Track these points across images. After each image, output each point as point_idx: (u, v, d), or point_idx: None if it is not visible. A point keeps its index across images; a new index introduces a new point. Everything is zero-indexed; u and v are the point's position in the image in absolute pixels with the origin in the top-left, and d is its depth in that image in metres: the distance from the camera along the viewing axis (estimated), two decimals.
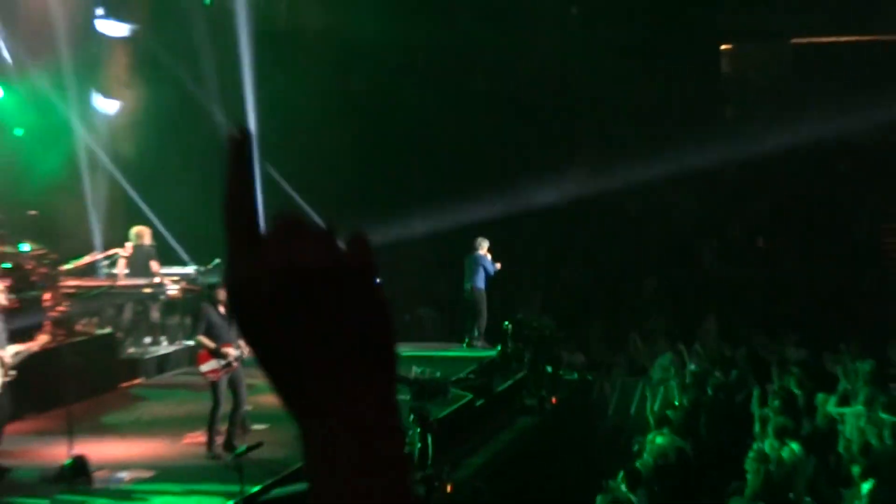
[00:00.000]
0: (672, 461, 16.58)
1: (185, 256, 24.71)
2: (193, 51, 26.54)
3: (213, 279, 17.27)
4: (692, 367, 21.84)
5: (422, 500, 14.51)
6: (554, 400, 22.09)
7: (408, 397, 16.80)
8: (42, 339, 15.89)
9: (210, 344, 16.15)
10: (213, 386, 16.27)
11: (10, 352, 15.36)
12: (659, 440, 17.26)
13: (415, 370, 18.73)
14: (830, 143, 31.07)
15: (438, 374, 18.71)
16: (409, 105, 30.07)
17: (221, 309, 16.30)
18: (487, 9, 31.47)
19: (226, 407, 16.36)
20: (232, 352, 16.14)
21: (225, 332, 16.13)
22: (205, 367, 16.24)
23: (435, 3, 31.02)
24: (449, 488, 15.00)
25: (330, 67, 30.34)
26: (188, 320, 23.10)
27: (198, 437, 16.74)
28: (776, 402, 19.12)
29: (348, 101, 29.87)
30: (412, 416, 16.26)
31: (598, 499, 14.08)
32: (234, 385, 16.33)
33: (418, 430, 16.04)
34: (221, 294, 16.32)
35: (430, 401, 17.13)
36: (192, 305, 22.94)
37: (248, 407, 16.57)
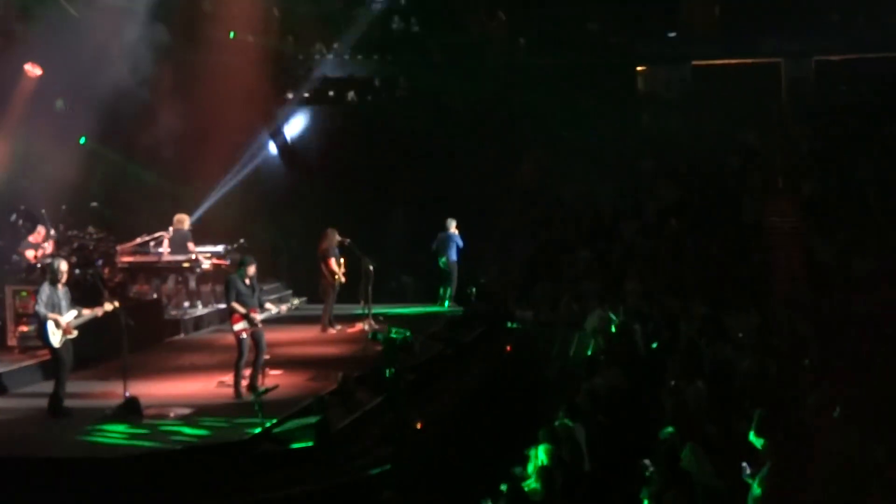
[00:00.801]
0: (606, 397, 16.43)
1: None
2: None
3: (245, 256, 17.04)
4: (617, 320, 21.70)
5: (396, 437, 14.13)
6: (508, 348, 21.95)
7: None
8: (106, 306, 15.69)
9: (241, 309, 16.10)
10: (240, 340, 16.12)
11: (71, 315, 15.23)
12: (597, 381, 17.11)
13: (393, 331, 18.41)
14: (724, 143, 31.09)
15: (408, 333, 18.41)
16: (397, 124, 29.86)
17: (248, 281, 16.24)
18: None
19: (249, 357, 16.18)
20: (257, 315, 16.08)
21: (250, 299, 16.19)
22: (237, 327, 16.14)
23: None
24: (419, 425, 14.60)
25: None
26: (218, 288, 23.00)
27: (227, 381, 16.57)
28: (683, 348, 19.05)
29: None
30: (388, 369, 16.11)
31: (541, 432, 13.84)
32: (256, 340, 16.23)
33: (392, 377, 15.65)
34: (250, 269, 16.25)
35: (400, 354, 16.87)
36: (221, 276, 22.84)
37: (266, 356, 16.42)
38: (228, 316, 16.44)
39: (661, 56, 33.53)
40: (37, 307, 15.13)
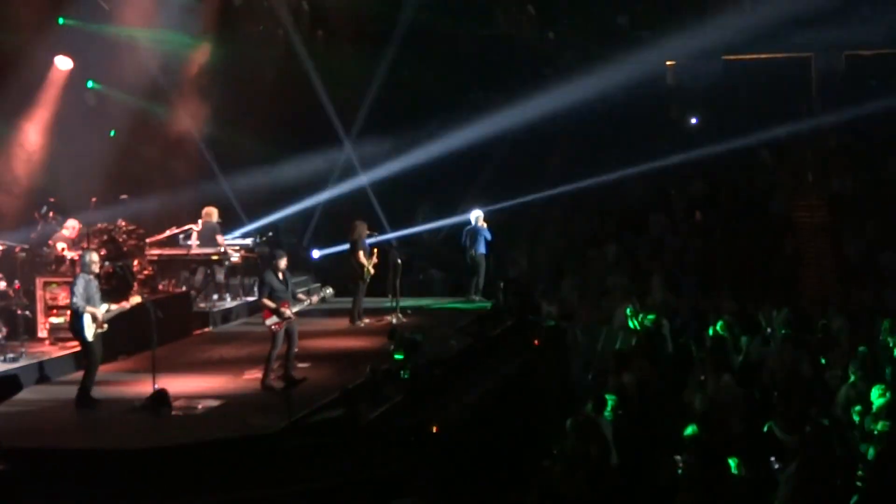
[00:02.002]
0: (633, 392, 16.38)
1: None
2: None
3: (276, 250, 17.11)
4: (648, 315, 21.62)
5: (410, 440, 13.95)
6: (536, 342, 21.88)
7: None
8: (133, 301, 15.74)
9: (272, 305, 16.17)
10: (273, 334, 16.18)
11: (103, 309, 15.29)
12: (624, 376, 17.06)
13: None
14: (753, 137, 30.96)
15: (419, 337, 18.16)
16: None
17: (280, 275, 16.34)
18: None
19: (281, 349, 16.23)
20: (287, 311, 16.16)
21: (283, 293, 16.29)
22: (269, 322, 16.21)
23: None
24: (435, 429, 14.28)
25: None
26: (247, 281, 23.05)
27: (255, 374, 16.60)
28: (711, 343, 18.98)
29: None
30: (404, 370, 15.96)
31: (569, 421, 13.81)
32: (289, 333, 16.28)
33: (408, 378, 15.60)
34: (282, 262, 16.37)
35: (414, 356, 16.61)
36: (249, 269, 22.90)
37: (296, 349, 16.44)
38: (260, 310, 16.48)
39: (691, 50, 33.37)
40: (73, 299, 15.14)
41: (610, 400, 15.57)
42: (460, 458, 14.72)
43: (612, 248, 28.90)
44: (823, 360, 17.66)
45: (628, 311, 22.23)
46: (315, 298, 17.63)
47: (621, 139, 29.80)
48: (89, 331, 15.20)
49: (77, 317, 15.20)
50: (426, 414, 15.40)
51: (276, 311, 16.16)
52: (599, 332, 22.16)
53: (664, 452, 13.06)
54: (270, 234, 23.83)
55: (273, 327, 16.18)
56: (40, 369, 17.11)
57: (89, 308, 15.15)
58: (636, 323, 21.50)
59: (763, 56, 33.19)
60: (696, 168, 31.11)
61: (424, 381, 15.80)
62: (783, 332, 19.61)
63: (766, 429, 13.36)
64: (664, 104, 33.48)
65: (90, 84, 23.16)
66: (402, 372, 15.95)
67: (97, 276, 15.62)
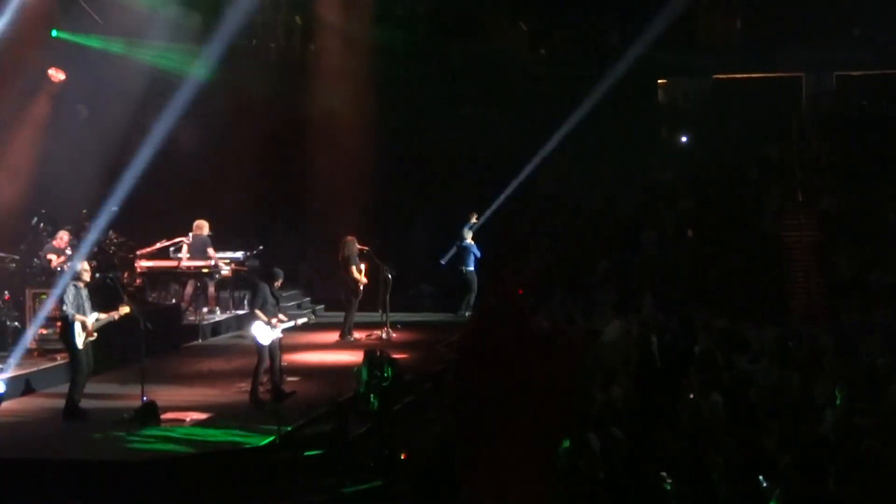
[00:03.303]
0: (621, 409, 16.31)
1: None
2: None
3: (275, 270, 17.14)
4: (634, 331, 21.55)
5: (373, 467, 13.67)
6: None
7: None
8: (122, 310, 15.71)
9: (264, 318, 16.20)
10: (259, 347, 16.12)
11: (92, 318, 15.26)
12: (612, 392, 16.99)
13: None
14: (742, 154, 31.01)
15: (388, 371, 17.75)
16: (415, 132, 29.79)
17: (273, 292, 16.48)
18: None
19: (267, 363, 16.18)
20: (278, 327, 16.26)
21: (274, 307, 16.33)
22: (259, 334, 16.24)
23: None
24: (404, 456, 13.95)
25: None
26: (237, 294, 23.00)
27: (244, 387, 16.57)
28: (700, 361, 18.92)
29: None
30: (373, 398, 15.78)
31: (564, 442, 13.74)
32: (271, 348, 16.27)
33: (376, 400, 15.38)
34: (277, 282, 16.67)
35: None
36: (240, 282, 22.85)
37: (283, 363, 16.41)
38: (248, 321, 16.43)
39: (682, 68, 33.42)
40: (64, 307, 15.16)
41: (598, 416, 15.49)
42: (446, 474, 14.65)
43: (602, 264, 28.84)
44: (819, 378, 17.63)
45: (617, 326, 22.17)
46: (300, 321, 17.60)
47: (612, 156, 29.77)
48: (79, 339, 15.17)
49: (68, 325, 15.17)
50: (405, 434, 15.36)
51: (269, 325, 16.15)
52: (588, 348, 22.05)
53: (652, 469, 13.00)
54: (261, 247, 23.75)
55: (262, 340, 16.15)
56: (28, 381, 17.04)
57: (79, 316, 15.12)
58: (625, 339, 21.43)
59: (754, 75, 33.24)
60: (686, 185, 31.11)
61: (393, 406, 15.40)
62: (772, 349, 19.56)
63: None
64: (655, 122, 33.48)
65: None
66: (371, 397, 15.69)
67: (87, 285, 15.57)
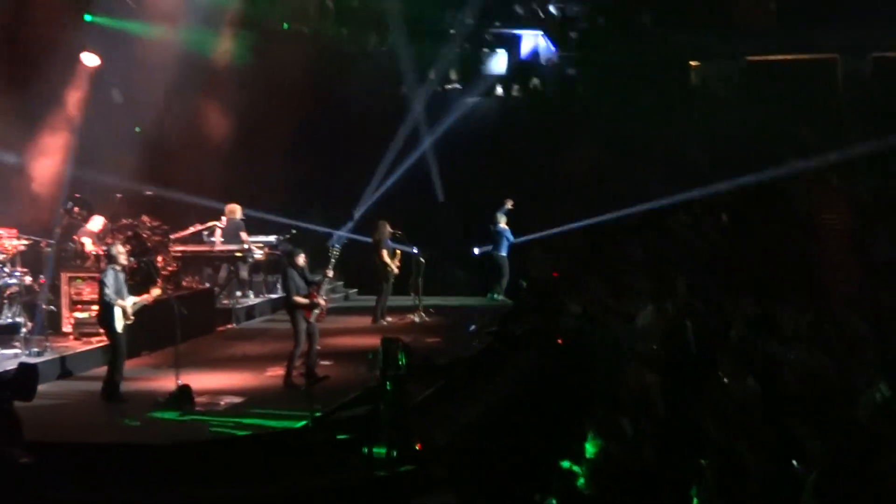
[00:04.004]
0: (655, 393, 16.33)
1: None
2: None
3: (294, 248, 17.22)
4: (668, 315, 21.52)
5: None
6: (560, 341, 21.89)
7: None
8: (154, 293, 15.82)
9: (304, 301, 16.37)
10: (296, 328, 16.34)
11: (130, 302, 15.37)
12: (646, 376, 17.00)
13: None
14: (776, 137, 30.84)
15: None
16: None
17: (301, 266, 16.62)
18: None
19: (304, 346, 16.34)
20: (320, 300, 16.50)
21: (304, 288, 16.46)
22: (312, 318, 16.44)
23: None
24: (419, 446, 13.75)
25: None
26: (270, 278, 23.09)
27: (278, 370, 16.65)
28: (734, 345, 18.91)
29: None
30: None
31: (590, 426, 13.76)
32: (310, 331, 16.41)
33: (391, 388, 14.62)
34: (300, 259, 16.58)
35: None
36: (273, 266, 22.92)
37: (318, 347, 16.48)
38: (291, 308, 16.44)
39: (716, 51, 33.25)
40: (106, 291, 15.24)
41: (632, 401, 15.53)
42: (480, 458, 14.70)
43: (635, 248, 28.80)
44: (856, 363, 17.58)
45: (650, 311, 22.15)
46: (330, 273, 17.65)
47: (645, 138, 29.69)
48: (119, 323, 15.31)
49: (109, 310, 15.29)
50: (439, 418, 15.41)
51: (312, 306, 16.33)
52: (622, 331, 22.05)
53: (687, 455, 13.01)
54: (293, 231, 23.84)
55: (319, 319, 16.47)
56: (64, 364, 17.18)
57: (119, 301, 15.26)
58: (658, 323, 21.41)
59: (789, 57, 33.04)
60: (720, 169, 30.98)
61: (408, 393, 14.86)
62: (806, 334, 19.52)
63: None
64: (688, 104, 33.35)
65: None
66: (386, 385, 15.24)
67: (123, 269, 15.69)
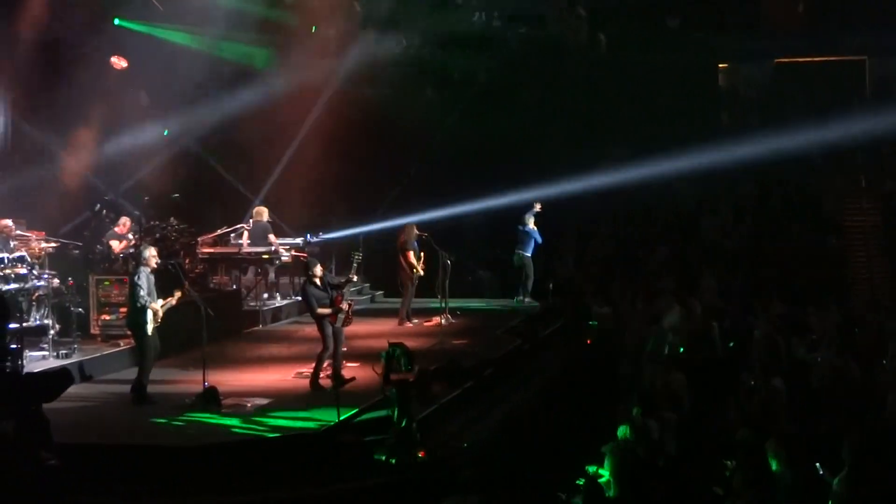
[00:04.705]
0: (682, 393, 16.29)
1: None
2: None
3: (309, 260, 17.25)
4: (695, 317, 21.46)
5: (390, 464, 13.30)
6: (588, 341, 21.93)
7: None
8: (177, 295, 15.85)
9: (328, 311, 16.36)
10: (324, 334, 16.29)
11: (159, 304, 15.42)
12: (673, 377, 16.96)
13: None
14: (804, 140, 30.70)
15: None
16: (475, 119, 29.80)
17: (318, 281, 16.57)
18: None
19: (331, 349, 16.34)
20: (344, 304, 16.50)
21: (325, 298, 16.45)
22: (338, 323, 16.43)
23: None
24: (422, 454, 13.55)
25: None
26: (297, 280, 23.12)
27: (304, 372, 16.67)
28: (761, 346, 18.84)
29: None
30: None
31: (620, 429, 13.73)
32: (336, 333, 16.40)
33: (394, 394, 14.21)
34: (317, 270, 16.59)
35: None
36: (300, 268, 22.93)
37: (344, 349, 16.50)
38: (321, 318, 16.44)
39: (744, 53, 33.17)
40: (142, 293, 15.29)
41: (658, 402, 15.48)
42: (506, 458, 14.69)
43: (662, 250, 28.76)
44: (882, 363, 17.51)
45: (677, 313, 22.10)
46: (355, 277, 17.65)
47: (672, 141, 29.62)
48: (150, 326, 15.38)
49: (141, 312, 15.35)
50: (466, 420, 15.41)
51: (336, 311, 16.35)
52: (649, 333, 22.02)
53: (713, 455, 12.98)
54: (321, 234, 23.88)
55: (345, 324, 16.52)
56: (92, 366, 17.25)
57: (153, 305, 15.34)
58: (685, 325, 21.36)
59: (816, 59, 32.93)
60: (747, 171, 30.90)
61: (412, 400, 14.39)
62: (833, 335, 19.44)
63: None
64: (716, 106, 33.27)
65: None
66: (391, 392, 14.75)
67: (153, 271, 15.75)
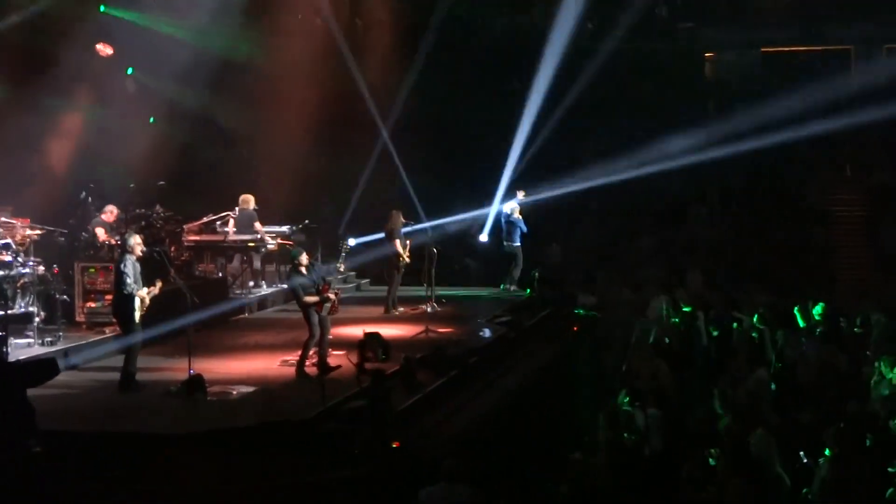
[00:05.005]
0: (667, 383, 16.36)
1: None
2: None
3: (294, 249, 17.25)
4: (683, 308, 21.52)
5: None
6: (575, 328, 22.01)
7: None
8: (158, 284, 15.83)
9: (315, 299, 16.36)
10: (309, 321, 16.30)
11: (145, 291, 15.41)
12: (658, 367, 17.03)
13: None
14: (790, 131, 30.77)
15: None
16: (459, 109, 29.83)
17: (304, 270, 16.55)
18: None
19: (317, 337, 16.32)
20: (331, 294, 16.50)
21: (312, 287, 16.44)
22: (323, 312, 16.41)
23: None
24: (396, 444, 13.45)
25: None
26: (283, 268, 23.14)
27: (290, 360, 16.68)
28: (745, 338, 18.91)
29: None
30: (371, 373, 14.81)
31: (601, 416, 13.78)
32: (322, 321, 16.39)
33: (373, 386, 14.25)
34: (303, 259, 16.58)
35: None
36: (286, 256, 22.93)
37: (329, 337, 16.50)
38: (307, 306, 16.42)
39: (730, 42, 33.22)
40: (128, 281, 15.26)
41: (643, 391, 15.54)
42: (492, 447, 14.72)
43: (647, 240, 28.82)
44: (867, 354, 17.58)
45: (663, 302, 22.16)
46: (342, 266, 17.64)
47: (658, 131, 29.66)
48: (137, 313, 15.36)
49: (128, 300, 15.32)
50: (452, 408, 15.43)
51: (323, 300, 16.32)
52: (634, 323, 22.08)
53: (698, 445, 13.03)
54: (307, 221, 23.85)
55: (331, 312, 16.50)
56: (77, 353, 17.22)
57: (139, 292, 15.32)
58: (671, 315, 21.43)
59: (802, 49, 32.99)
60: (733, 161, 30.96)
61: (387, 389, 14.40)
62: (818, 325, 19.52)
63: None
64: (702, 96, 33.32)
65: (130, 71, 23.24)
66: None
67: (139, 259, 15.73)
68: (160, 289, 15.83)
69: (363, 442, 13.22)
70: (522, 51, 31.07)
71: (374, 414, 13.64)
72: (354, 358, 15.86)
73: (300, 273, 16.47)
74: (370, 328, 17.87)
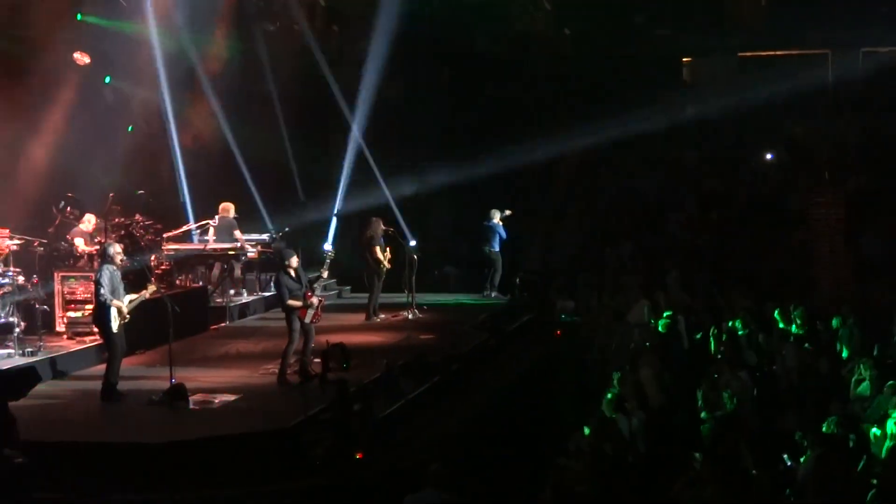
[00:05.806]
0: (649, 387, 16.41)
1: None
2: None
3: (286, 250, 17.21)
4: (664, 312, 21.59)
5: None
6: (558, 333, 22.08)
7: None
8: (149, 289, 15.84)
9: (298, 303, 16.25)
10: (290, 326, 16.27)
11: (126, 301, 15.38)
12: (640, 372, 17.08)
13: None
14: (768, 134, 30.95)
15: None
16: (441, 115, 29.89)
17: (293, 272, 16.44)
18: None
19: (297, 345, 16.30)
20: (315, 300, 16.33)
21: (299, 290, 16.33)
22: (307, 319, 16.32)
23: None
24: (359, 455, 13.46)
25: None
26: (264, 276, 23.15)
27: (272, 368, 16.69)
28: (726, 340, 19.00)
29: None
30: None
31: (586, 425, 13.83)
32: (305, 329, 16.36)
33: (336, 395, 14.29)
34: (293, 261, 16.45)
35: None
36: (266, 264, 22.97)
37: (312, 345, 16.50)
38: (290, 311, 16.39)
39: (707, 47, 33.35)
40: (102, 291, 15.24)
41: (626, 397, 15.60)
42: (474, 453, 14.75)
43: (627, 245, 28.90)
44: (844, 355, 17.69)
45: (643, 307, 22.23)
46: (325, 273, 17.57)
47: (636, 136, 29.77)
48: (115, 323, 15.32)
49: (105, 309, 15.29)
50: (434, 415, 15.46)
51: (306, 305, 16.25)
52: (614, 328, 22.15)
53: (680, 449, 13.08)
54: (287, 229, 23.86)
55: (314, 319, 16.37)
56: (58, 363, 17.20)
57: (115, 302, 15.27)
58: (652, 320, 21.50)
59: (780, 53, 33.14)
60: (711, 166, 31.09)
61: (349, 397, 14.35)
62: (798, 329, 19.63)
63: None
64: (680, 101, 33.43)
65: (108, 80, 23.21)
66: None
67: (118, 268, 15.70)
68: (151, 295, 15.82)
69: (326, 451, 13.24)
70: (501, 58, 31.19)
71: (336, 424, 13.67)
72: (317, 368, 15.92)
73: (288, 275, 16.43)
74: (353, 336, 17.89)
